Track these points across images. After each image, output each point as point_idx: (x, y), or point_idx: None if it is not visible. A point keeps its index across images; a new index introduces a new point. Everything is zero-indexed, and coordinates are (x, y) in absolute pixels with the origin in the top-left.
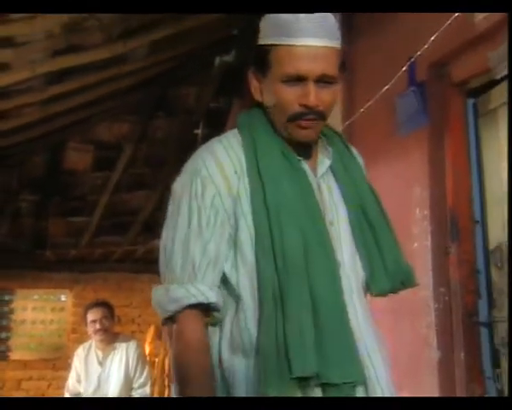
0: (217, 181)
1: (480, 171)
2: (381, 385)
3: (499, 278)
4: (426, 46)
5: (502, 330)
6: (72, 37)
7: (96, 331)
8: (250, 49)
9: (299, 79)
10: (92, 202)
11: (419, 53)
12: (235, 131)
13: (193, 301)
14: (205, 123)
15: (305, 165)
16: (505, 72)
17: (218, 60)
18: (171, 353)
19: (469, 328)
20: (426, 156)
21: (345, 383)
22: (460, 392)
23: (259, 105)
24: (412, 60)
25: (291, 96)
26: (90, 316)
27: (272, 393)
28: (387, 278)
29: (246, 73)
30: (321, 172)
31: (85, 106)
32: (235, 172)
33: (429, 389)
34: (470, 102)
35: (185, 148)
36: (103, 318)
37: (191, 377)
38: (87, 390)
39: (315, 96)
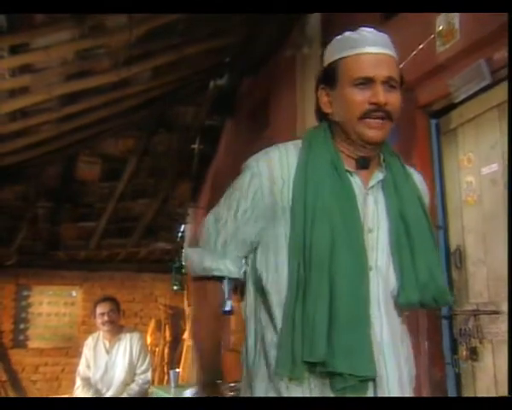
0: (263, 180)
1: (441, 182)
2: (389, 389)
3: (458, 276)
4: None
5: (460, 322)
6: (84, 63)
7: (103, 323)
8: (241, 75)
9: (368, 82)
10: (100, 208)
11: None
12: (299, 141)
13: (219, 273)
14: (201, 138)
15: (357, 177)
16: (463, 96)
17: (212, 83)
18: (192, 307)
19: (432, 321)
20: None
21: (351, 375)
22: (423, 376)
23: (326, 121)
24: None
25: (361, 97)
26: (99, 309)
27: (283, 373)
28: (417, 290)
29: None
30: (371, 184)
31: (94, 124)
32: (282, 177)
33: None
34: (433, 122)
35: (183, 160)
36: (110, 311)
37: (204, 337)
38: (95, 375)
39: (383, 95)
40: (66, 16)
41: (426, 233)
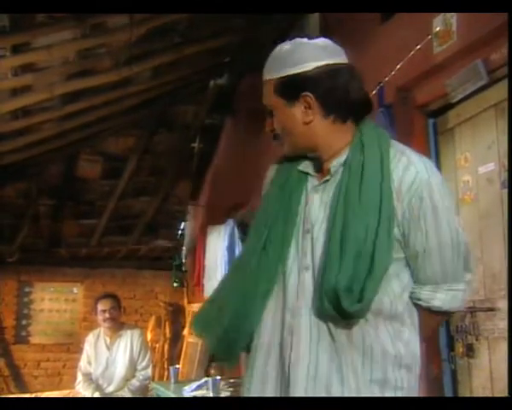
0: (265, 186)
1: None
2: (313, 387)
3: None
4: (393, 73)
5: (456, 319)
6: (85, 62)
7: (105, 320)
8: (240, 74)
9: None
10: (101, 206)
11: (386, 79)
12: None
13: None
14: (201, 137)
15: (311, 177)
16: (460, 96)
17: (212, 82)
18: None
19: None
20: None
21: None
22: (420, 373)
23: None
24: (381, 85)
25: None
26: (100, 306)
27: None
28: (325, 297)
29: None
30: (316, 183)
31: (95, 122)
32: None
33: None
34: (431, 121)
35: (183, 159)
36: (112, 308)
37: None
38: (96, 371)
39: (268, 124)
40: (67, 16)
41: (365, 243)
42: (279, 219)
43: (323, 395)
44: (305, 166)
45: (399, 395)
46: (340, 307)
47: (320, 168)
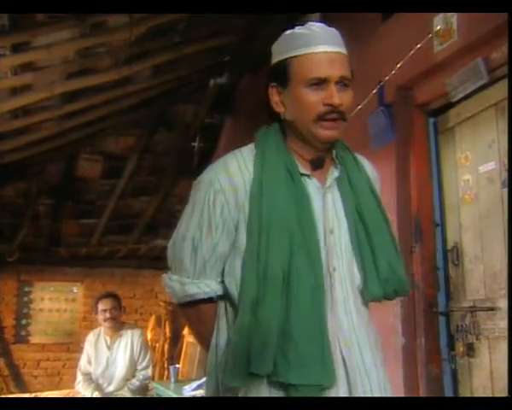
0: (226, 193)
1: (439, 180)
2: (369, 386)
3: (455, 273)
4: (393, 72)
5: (457, 318)
6: (85, 61)
7: (105, 320)
8: (240, 73)
9: (321, 83)
10: (101, 206)
11: (387, 78)
12: (253, 145)
13: (205, 296)
14: (201, 137)
15: (313, 178)
16: (461, 95)
17: (212, 82)
18: (189, 329)
19: (429, 317)
20: (393, 168)
21: (304, 385)
22: (420, 372)
23: (277, 121)
24: (381, 83)
25: (315, 98)
26: (101, 306)
27: (235, 384)
28: (379, 284)
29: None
30: (328, 183)
31: (95, 122)
32: (244, 185)
33: (394, 370)
34: (431, 121)
35: (183, 158)
36: (112, 308)
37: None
38: (96, 371)
39: (337, 96)
40: (67, 15)
41: (382, 227)
42: (300, 223)
43: (371, 380)
44: (302, 168)
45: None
46: (402, 292)
47: (317, 164)
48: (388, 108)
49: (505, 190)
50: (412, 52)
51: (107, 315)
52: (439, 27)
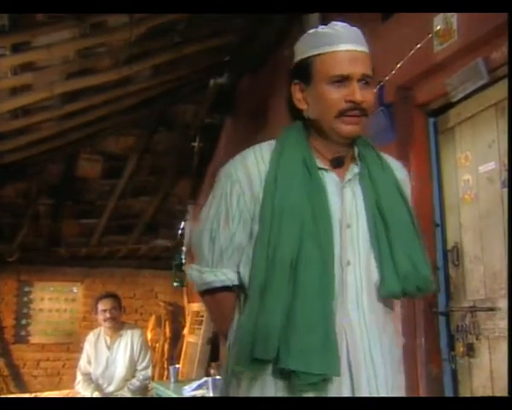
0: (243, 185)
1: (439, 180)
2: (375, 384)
3: (455, 274)
4: (393, 72)
5: (457, 318)
6: (85, 61)
7: (105, 320)
8: (240, 73)
9: (344, 80)
10: (101, 206)
11: (387, 78)
12: (274, 141)
13: (221, 284)
14: (201, 137)
15: (332, 173)
16: (461, 95)
17: (212, 82)
18: (209, 317)
19: (429, 317)
20: None
21: (306, 373)
22: (420, 372)
23: (300, 119)
24: (381, 83)
25: (337, 95)
26: (101, 306)
27: (238, 368)
28: (398, 281)
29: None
30: (347, 178)
31: (95, 122)
32: (259, 177)
33: None
34: (431, 121)
35: (183, 158)
36: (112, 308)
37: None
38: (96, 371)
39: (359, 93)
40: (67, 15)
41: (405, 223)
42: (313, 214)
43: (378, 378)
44: (319, 162)
45: (399, 379)
46: (425, 289)
47: (337, 163)
48: (388, 108)
49: (505, 190)
50: (412, 52)
51: (107, 315)
52: (439, 27)
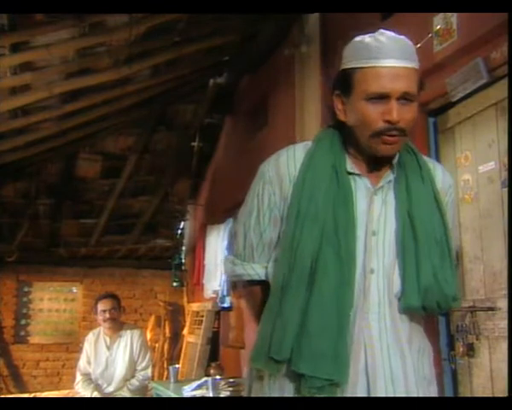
0: (274, 185)
1: None
2: (392, 395)
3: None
4: None
5: (457, 318)
6: (84, 61)
7: (105, 320)
8: (240, 73)
9: (383, 97)
10: (100, 205)
11: None
12: (310, 141)
13: (249, 278)
14: (200, 136)
15: (364, 178)
16: (461, 95)
17: (211, 81)
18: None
19: (429, 317)
20: None
21: (314, 377)
22: None
23: (338, 124)
24: None
25: (375, 114)
26: (101, 306)
27: (255, 366)
28: (418, 294)
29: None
30: (380, 185)
31: (95, 121)
32: (289, 177)
33: None
34: (431, 120)
35: (183, 158)
36: (112, 308)
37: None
38: (96, 371)
39: (397, 112)
40: (66, 15)
41: (437, 237)
42: (336, 219)
43: (394, 390)
44: (350, 167)
45: (433, 390)
46: (446, 306)
47: (371, 169)
48: None
49: (505, 190)
50: None
51: (107, 316)
52: (438, 27)
